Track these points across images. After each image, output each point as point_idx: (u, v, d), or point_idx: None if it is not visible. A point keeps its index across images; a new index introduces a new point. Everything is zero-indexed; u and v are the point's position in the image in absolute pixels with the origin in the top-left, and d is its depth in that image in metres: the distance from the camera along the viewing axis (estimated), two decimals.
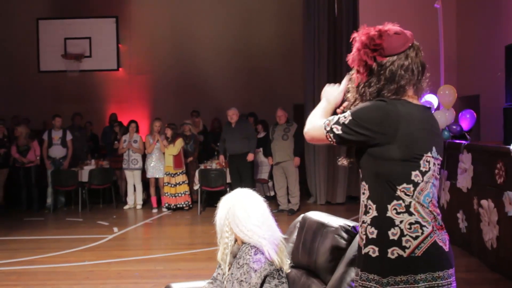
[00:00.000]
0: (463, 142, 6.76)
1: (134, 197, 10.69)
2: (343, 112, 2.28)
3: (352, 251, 2.64)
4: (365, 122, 2.11)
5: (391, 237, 2.10)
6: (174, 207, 10.15)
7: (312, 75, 10.61)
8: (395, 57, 2.18)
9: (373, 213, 2.17)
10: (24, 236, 8.34)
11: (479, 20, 8.42)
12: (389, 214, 2.12)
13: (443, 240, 2.15)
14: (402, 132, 2.09)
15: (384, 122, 2.10)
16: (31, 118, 12.31)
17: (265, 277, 2.80)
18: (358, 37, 2.24)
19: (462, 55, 9.06)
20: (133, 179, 10.56)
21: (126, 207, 10.66)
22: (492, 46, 7.76)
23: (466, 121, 7.22)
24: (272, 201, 10.10)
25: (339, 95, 2.41)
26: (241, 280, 2.76)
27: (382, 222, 2.14)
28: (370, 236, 2.16)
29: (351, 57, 2.27)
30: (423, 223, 2.11)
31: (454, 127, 7.27)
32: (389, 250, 2.10)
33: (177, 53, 14.06)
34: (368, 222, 2.18)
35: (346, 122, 2.15)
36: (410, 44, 2.20)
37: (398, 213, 2.11)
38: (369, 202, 2.19)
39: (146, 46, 14.24)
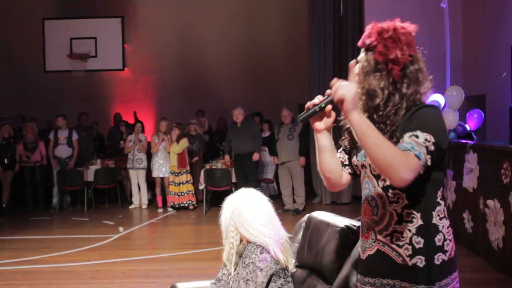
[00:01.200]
0: (469, 142, 6.73)
1: (140, 196, 10.71)
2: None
3: (357, 251, 2.63)
4: (442, 142, 1.99)
5: (437, 244, 2.07)
6: (178, 206, 10.16)
7: (318, 75, 10.59)
8: (416, 57, 2.11)
9: (418, 222, 2.06)
10: (30, 236, 8.36)
11: (485, 19, 8.39)
12: (434, 221, 2.08)
13: None
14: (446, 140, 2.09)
15: (447, 135, 2.08)
16: (36, 118, 12.32)
17: (271, 276, 2.80)
18: (389, 28, 2.08)
19: (468, 54, 9.03)
20: (137, 178, 10.58)
21: (131, 206, 10.68)
22: (498, 46, 7.73)
23: (473, 121, 7.20)
24: (277, 201, 10.11)
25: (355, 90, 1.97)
26: (247, 279, 2.76)
27: (429, 230, 2.07)
28: (417, 246, 2.06)
29: (383, 50, 2.07)
30: (450, 224, 2.15)
31: (458, 127, 7.25)
32: (435, 257, 2.06)
33: (182, 53, 14.07)
34: (414, 231, 2.06)
35: (433, 149, 1.95)
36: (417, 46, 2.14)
37: (440, 218, 2.09)
38: (410, 210, 2.06)
39: (152, 46, 14.25)
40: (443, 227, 2.09)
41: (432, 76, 2.19)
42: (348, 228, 2.81)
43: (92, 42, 14.05)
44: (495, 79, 7.82)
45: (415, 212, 2.06)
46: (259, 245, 2.83)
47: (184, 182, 10.15)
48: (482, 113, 7.24)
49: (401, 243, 2.08)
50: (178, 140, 10.04)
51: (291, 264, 2.93)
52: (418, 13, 8.74)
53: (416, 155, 1.90)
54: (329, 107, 2.07)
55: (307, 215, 3.27)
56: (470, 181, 6.51)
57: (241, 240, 2.95)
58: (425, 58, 2.17)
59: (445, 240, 2.09)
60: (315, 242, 2.99)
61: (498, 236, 5.79)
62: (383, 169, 1.90)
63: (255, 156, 9.62)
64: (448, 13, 8.12)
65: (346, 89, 1.92)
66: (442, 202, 2.11)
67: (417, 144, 1.93)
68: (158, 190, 10.40)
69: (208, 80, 13.93)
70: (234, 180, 9.85)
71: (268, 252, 2.81)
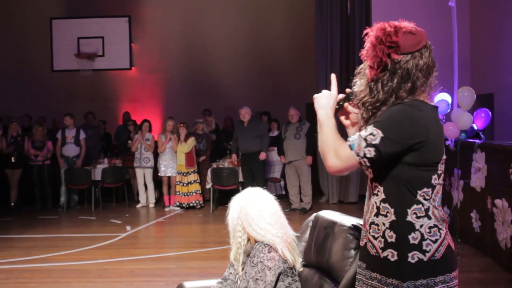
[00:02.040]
0: (477, 141, 6.71)
1: (147, 195, 10.73)
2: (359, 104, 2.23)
3: None
4: (397, 136, 2.04)
5: (412, 241, 2.09)
6: (187, 205, 10.17)
7: (325, 74, 10.57)
8: (409, 56, 2.13)
9: (391, 217, 2.13)
10: (38, 234, 8.40)
11: (493, 18, 8.35)
12: (409, 218, 2.10)
13: (451, 240, 2.17)
14: (429, 138, 2.07)
15: (415, 132, 2.05)
16: (43, 117, 12.37)
17: (279, 275, 2.80)
18: (373, 33, 2.19)
19: (476, 53, 8.99)
20: (143, 177, 10.60)
21: (138, 205, 10.71)
22: (506, 45, 7.70)
23: (481, 120, 7.15)
24: (284, 200, 10.10)
25: (332, 100, 2.32)
26: (257, 278, 2.76)
27: (402, 227, 2.11)
28: (389, 240, 2.13)
29: (365, 52, 2.22)
30: (440, 226, 2.12)
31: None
32: (410, 255, 2.08)
33: (189, 52, 14.09)
34: (387, 226, 2.14)
35: (377, 142, 2.05)
36: (424, 43, 2.16)
37: (418, 217, 2.10)
38: (386, 205, 2.15)
39: (159, 45, 14.29)
40: (421, 226, 2.09)
41: (437, 74, 2.22)
42: (355, 227, 2.81)
43: (99, 42, 14.09)
44: (503, 78, 7.78)
45: (389, 207, 2.14)
46: (267, 244, 2.83)
47: (192, 182, 10.16)
48: (490, 112, 7.20)
49: (376, 235, 2.18)
50: (185, 139, 10.05)
51: (299, 263, 2.93)
52: (425, 11, 8.71)
53: (349, 145, 2.09)
54: (346, 105, 2.34)
55: (314, 214, 3.26)
56: (478, 181, 6.49)
57: (248, 240, 2.95)
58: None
59: (423, 239, 2.08)
60: (322, 241, 2.99)
61: (506, 235, 5.77)
62: (322, 157, 2.17)
63: (262, 155, 9.63)
64: (456, 12, 8.09)
65: (318, 98, 2.35)
66: (426, 202, 2.11)
67: (358, 137, 2.09)
68: (165, 189, 10.42)
69: (215, 79, 13.94)
70: (241, 179, 9.86)
71: (276, 251, 2.81)
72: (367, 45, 2.21)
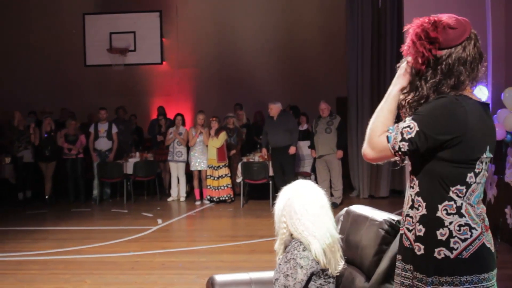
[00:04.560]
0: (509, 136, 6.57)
1: (178, 189, 10.81)
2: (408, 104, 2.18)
3: (396, 245, 2.61)
4: (432, 131, 2.03)
5: (439, 237, 2.07)
6: (217, 199, 10.21)
7: (355, 68, 10.50)
8: (452, 50, 2.10)
9: (423, 210, 2.12)
10: (72, 227, 8.54)
11: None
12: (439, 214, 2.08)
13: (490, 241, 2.11)
14: (467, 136, 2.03)
15: (451, 128, 2.02)
16: (76, 112, 12.55)
17: (311, 275, 2.76)
18: (412, 29, 2.15)
19: (510, 46, 8.79)
20: (177, 171, 10.68)
21: (169, 199, 10.79)
22: None
23: None
24: None
25: (403, 82, 2.21)
26: (287, 275, 2.73)
27: (431, 221, 2.09)
28: (418, 234, 2.12)
29: (406, 49, 2.19)
30: (473, 225, 2.07)
31: None
32: (436, 250, 2.06)
33: (220, 46, 14.11)
34: (417, 219, 2.13)
35: (412, 136, 2.04)
36: (467, 35, 2.11)
37: (448, 214, 2.07)
38: (419, 198, 2.14)
39: (189, 39, 14.34)
40: (450, 223, 2.06)
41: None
42: (386, 222, 2.79)
43: (131, 37, 14.20)
44: None
45: (421, 201, 2.13)
46: (302, 243, 2.77)
47: (223, 176, 10.20)
48: None
49: (410, 227, 2.19)
50: (217, 134, 10.09)
51: (333, 266, 2.79)
52: (458, 3, 8.54)
53: (386, 137, 2.10)
54: None
55: (346, 208, 3.25)
56: None
57: (290, 234, 2.87)
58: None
59: (451, 237, 2.05)
60: (354, 236, 2.98)
61: None
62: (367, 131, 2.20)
63: (292, 150, 9.61)
64: (489, 2, 7.92)
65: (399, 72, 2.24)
66: (459, 200, 2.07)
67: (395, 129, 2.09)
68: (195, 183, 10.48)
69: (246, 73, 13.94)
70: (271, 173, 9.86)
71: (310, 251, 2.75)
72: (407, 41, 2.18)
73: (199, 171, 10.44)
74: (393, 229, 2.75)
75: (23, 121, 10.85)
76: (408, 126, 2.06)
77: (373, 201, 10.07)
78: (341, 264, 2.84)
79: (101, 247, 7.14)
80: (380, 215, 2.87)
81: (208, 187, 10.23)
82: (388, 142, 2.09)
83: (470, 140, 2.04)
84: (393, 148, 2.08)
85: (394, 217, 2.82)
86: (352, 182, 10.85)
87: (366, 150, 2.17)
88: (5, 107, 12.63)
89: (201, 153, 10.35)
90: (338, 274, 2.85)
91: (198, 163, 10.36)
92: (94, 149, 10.80)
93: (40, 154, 10.68)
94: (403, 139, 2.05)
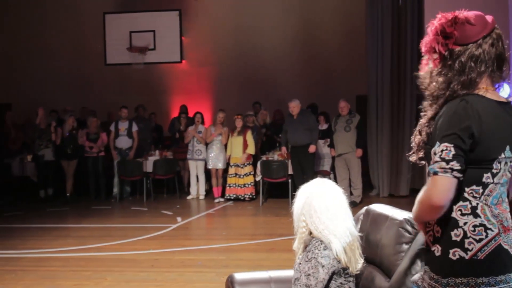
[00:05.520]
0: None
1: (197, 187, 10.85)
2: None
3: (417, 244, 2.60)
4: (463, 141, 1.96)
5: (454, 238, 2.04)
6: (242, 198, 10.21)
7: (375, 66, 10.43)
8: (467, 46, 2.06)
9: None
10: (92, 224, 8.62)
11: None
12: (453, 214, 2.05)
13: (509, 242, 2.05)
14: (481, 135, 1.99)
15: (461, 130, 1.97)
16: (96, 110, 12.66)
17: (332, 274, 2.75)
18: (433, 24, 2.12)
19: None
20: (196, 169, 10.71)
21: (189, 197, 10.83)
22: None
23: None
24: None
25: None
26: (309, 274, 2.72)
27: (447, 222, 2.06)
28: (436, 235, 2.10)
29: (423, 42, 2.16)
30: (489, 226, 2.03)
31: None
32: (451, 251, 2.03)
33: (239, 45, 14.12)
34: (435, 221, 2.10)
35: (453, 154, 1.96)
36: (485, 33, 2.06)
37: (462, 214, 2.04)
38: None
39: (209, 38, 14.37)
40: (464, 223, 2.03)
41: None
42: (407, 221, 2.77)
43: (150, 35, 14.27)
44: None
45: None
46: (323, 241, 2.76)
47: (248, 173, 10.21)
48: None
49: (428, 229, 2.15)
50: (241, 132, 10.11)
51: (353, 264, 2.78)
52: (479, 1, 8.44)
53: (433, 173, 1.99)
54: None
55: (365, 207, 3.24)
56: None
57: (310, 232, 2.86)
58: None
59: (466, 237, 2.02)
60: (373, 235, 2.96)
61: None
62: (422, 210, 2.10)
63: (312, 148, 9.58)
64: None
65: None
66: (474, 200, 2.03)
67: (434, 163, 2.00)
68: (214, 181, 10.51)
69: (265, 71, 13.94)
70: (290, 172, 9.84)
71: (331, 250, 2.73)
72: (427, 36, 2.15)
73: (217, 170, 10.46)
74: (413, 228, 2.73)
75: (45, 120, 10.96)
76: (442, 151, 1.98)
77: (393, 200, 10.00)
78: (360, 262, 2.83)
79: (121, 244, 7.19)
80: (400, 214, 2.86)
81: (233, 185, 10.21)
82: (436, 174, 1.98)
83: (484, 141, 1.99)
84: (449, 172, 1.96)
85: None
86: (372, 181, 10.80)
87: (433, 200, 2.00)
88: (27, 106, 12.79)
89: (219, 151, 10.37)
90: (358, 272, 2.83)
91: (216, 161, 10.38)
92: (115, 147, 10.88)
93: (62, 152, 10.79)
94: (447, 161, 1.97)
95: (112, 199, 10.86)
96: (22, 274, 5.93)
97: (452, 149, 1.97)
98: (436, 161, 1.99)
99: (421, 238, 2.58)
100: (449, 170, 1.96)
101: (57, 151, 10.88)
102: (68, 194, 10.83)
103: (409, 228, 2.74)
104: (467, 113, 1.98)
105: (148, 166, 10.79)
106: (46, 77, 14.36)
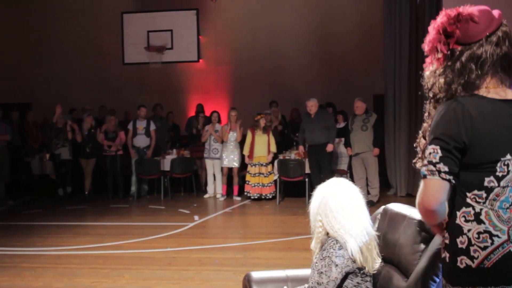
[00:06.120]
0: None
1: (214, 186, 10.88)
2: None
3: (435, 244, 2.58)
4: (449, 144, 1.91)
5: (460, 246, 1.96)
6: (265, 197, 10.18)
7: (393, 65, 10.36)
8: (470, 46, 1.97)
9: (447, 218, 2.03)
10: (110, 222, 8.69)
11: None
12: (458, 221, 1.98)
13: None
14: (474, 138, 1.90)
15: (453, 134, 1.91)
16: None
17: (347, 273, 2.74)
18: (437, 21, 2.05)
19: None
20: (213, 168, 10.74)
21: (206, 196, 10.87)
22: None
23: None
24: None
25: None
26: (321, 272, 2.72)
27: (452, 229, 2.00)
28: (446, 241, 2.05)
29: (426, 41, 2.10)
30: (495, 233, 1.92)
31: None
32: (459, 259, 1.96)
33: (256, 44, 14.12)
34: (445, 226, 2.06)
35: (440, 156, 1.93)
36: (490, 32, 1.96)
37: (466, 220, 1.96)
38: (446, 205, 2.02)
39: (226, 37, 14.39)
40: (468, 230, 1.95)
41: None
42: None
43: (168, 35, 14.32)
44: None
45: (447, 207, 2.02)
46: (339, 241, 2.75)
47: (270, 172, 10.21)
48: None
49: (442, 235, 2.11)
50: (265, 130, 10.12)
51: (370, 264, 2.77)
52: None
53: (423, 176, 1.98)
54: None
55: (383, 206, 3.23)
56: None
57: (327, 233, 2.84)
58: None
59: (470, 245, 1.94)
60: (391, 234, 2.96)
61: None
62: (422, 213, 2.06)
63: (329, 147, 9.57)
64: None
65: None
66: (478, 206, 1.94)
67: (423, 166, 1.98)
68: (224, 179, 10.54)
69: (282, 70, 13.94)
70: (307, 171, 9.83)
71: (346, 250, 2.73)
72: (429, 34, 2.08)
73: (230, 168, 10.48)
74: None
75: (62, 119, 11.05)
76: (430, 153, 1.95)
77: (410, 199, 9.91)
78: (378, 262, 2.82)
79: (139, 242, 7.24)
80: (418, 214, 2.83)
81: (257, 185, 10.19)
82: (425, 177, 1.97)
83: (481, 143, 1.91)
84: (437, 174, 1.93)
85: None
86: (389, 180, 10.74)
87: (424, 205, 1.99)
88: (47, 106, 12.91)
89: (233, 150, 10.38)
90: (375, 272, 2.82)
91: (231, 160, 10.40)
92: (133, 146, 10.95)
93: (81, 150, 10.89)
94: (433, 164, 1.94)
95: (130, 198, 10.93)
96: (41, 271, 6.00)
97: (439, 151, 1.93)
98: (425, 164, 1.97)
99: (439, 238, 2.57)
100: (436, 173, 1.93)
101: (75, 149, 10.98)
102: (86, 193, 10.93)
103: (427, 227, 2.73)
104: (456, 116, 1.91)
105: (166, 164, 10.84)
106: (66, 77, 14.50)
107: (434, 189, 1.94)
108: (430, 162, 1.94)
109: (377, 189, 9.66)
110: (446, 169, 1.91)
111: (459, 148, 1.92)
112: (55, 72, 14.49)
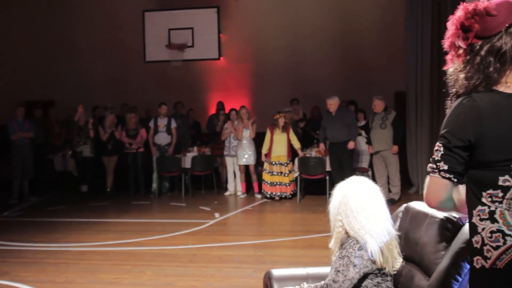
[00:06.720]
0: None
1: (235, 184, 10.90)
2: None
3: (457, 243, 2.56)
4: (453, 141, 1.89)
5: (475, 245, 1.92)
6: (286, 196, 10.13)
7: (415, 62, 10.27)
8: (488, 39, 1.89)
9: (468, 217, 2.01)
10: (132, 219, 8.76)
11: None
12: (473, 220, 1.93)
13: None
14: (484, 136, 1.84)
15: (460, 133, 1.87)
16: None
17: (366, 274, 2.73)
18: (454, 17, 2.00)
19: None
20: (233, 166, 10.76)
21: (226, 193, 10.89)
22: None
23: None
24: None
25: None
26: (338, 270, 2.72)
27: (470, 228, 1.96)
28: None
29: (445, 37, 2.04)
30: (508, 232, 1.84)
31: None
32: (475, 259, 1.92)
33: (276, 42, 14.11)
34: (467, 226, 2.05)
35: (441, 153, 1.92)
36: (509, 23, 1.87)
37: (481, 219, 1.90)
38: (455, 200, 2.00)
39: (246, 35, 14.40)
40: (482, 229, 1.89)
41: None
42: (447, 220, 2.73)
43: (189, 33, 14.37)
44: None
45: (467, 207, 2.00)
46: (359, 241, 2.73)
47: (291, 171, 10.19)
48: None
49: None
50: (284, 129, 10.11)
51: (391, 264, 2.75)
52: None
53: (427, 173, 2.00)
54: None
55: (405, 205, 3.21)
56: None
57: (346, 232, 2.82)
58: None
59: (484, 244, 1.88)
60: (413, 233, 2.94)
61: None
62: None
63: (351, 145, 9.53)
64: None
65: None
66: (493, 205, 1.87)
67: (429, 163, 2.00)
68: (242, 177, 10.54)
69: (302, 68, 13.91)
70: (328, 168, 9.79)
71: (366, 250, 2.71)
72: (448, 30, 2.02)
73: (246, 166, 10.49)
74: (454, 226, 2.70)
75: (84, 117, 11.16)
76: (436, 150, 1.95)
77: None
78: (399, 262, 2.79)
79: (160, 239, 7.29)
80: (440, 212, 2.81)
81: (279, 184, 10.14)
82: (429, 174, 1.98)
83: (492, 141, 1.84)
84: (437, 173, 1.94)
85: (455, 214, 2.75)
86: (411, 178, 10.65)
87: (426, 201, 2.06)
88: (69, 104, 13.04)
89: (247, 147, 10.36)
90: (395, 272, 2.80)
91: (247, 158, 10.40)
92: (154, 144, 11.02)
93: (103, 148, 10.99)
94: (435, 161, 1.94)
95: (151, 195, 11.00)
96: (64, 267, 6.08)
97: (442, 149, 1.92)
98: (429, 161, 1.98)
99: (461, 237, 2.55)
100: (437, 171, 1.93)
101: (97, 147, 11.08)
102: (108, 190, 11.04)
103: (449, 226, 2.71)
104: (464, 112, 1.87)
105: (187, 162, 10.88)
106: (87, 75, 14.64)
107: (435, 187, 1.97)
108: (433, 160, 1.96)
109: (399, 187, 9.59)
110: (446, 167, 1.91)
111: (463, 147, 1.88)
112: (77, 70, 14.65)
